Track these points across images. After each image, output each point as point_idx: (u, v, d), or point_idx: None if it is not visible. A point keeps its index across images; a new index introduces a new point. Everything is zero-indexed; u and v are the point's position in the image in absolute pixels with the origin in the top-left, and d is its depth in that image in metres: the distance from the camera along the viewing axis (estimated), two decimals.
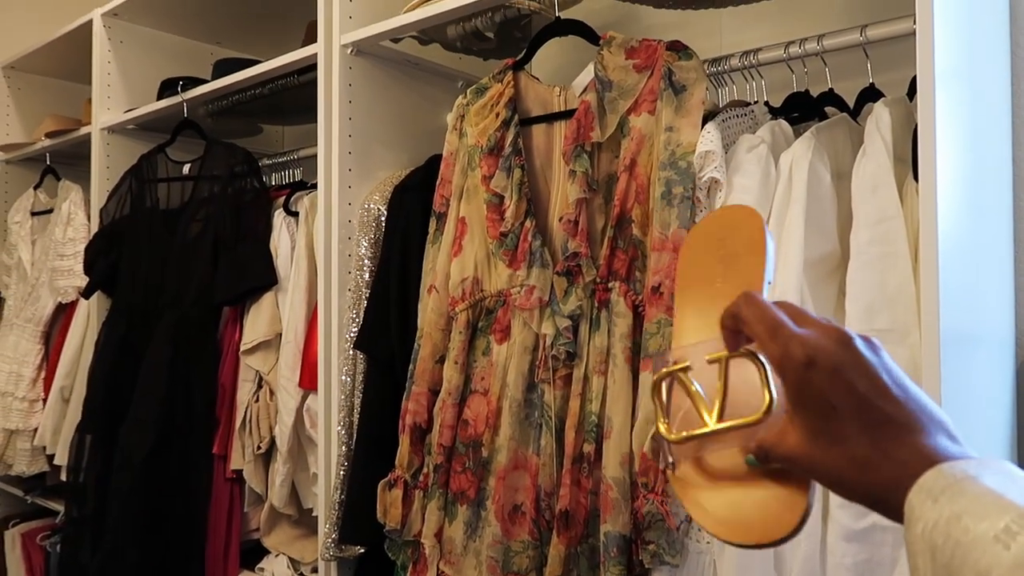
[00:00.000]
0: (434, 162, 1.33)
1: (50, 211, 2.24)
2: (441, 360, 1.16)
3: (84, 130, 2.09)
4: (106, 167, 2.02)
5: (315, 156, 1.50)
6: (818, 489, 0.89)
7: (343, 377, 1.37)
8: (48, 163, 2.33)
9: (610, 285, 1.04)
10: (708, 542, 0.92)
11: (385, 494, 1.16)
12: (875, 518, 0.83)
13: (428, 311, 1.19)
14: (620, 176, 1.05)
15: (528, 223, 1.12)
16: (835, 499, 0.85)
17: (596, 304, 1.04)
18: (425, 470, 1.14)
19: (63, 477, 1.94)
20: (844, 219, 0.97)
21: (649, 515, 0.91)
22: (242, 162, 1.76)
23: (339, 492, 1.33)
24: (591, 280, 1.05)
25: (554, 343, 1.04)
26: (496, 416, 1.07)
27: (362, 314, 1.35)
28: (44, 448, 2.04)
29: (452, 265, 1.17)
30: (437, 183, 1.25)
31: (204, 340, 1.66)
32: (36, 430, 2.04)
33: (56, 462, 1.99)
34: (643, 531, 0.92)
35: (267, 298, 1.58)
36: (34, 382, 2.08)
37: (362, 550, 1.32)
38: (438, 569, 1.09)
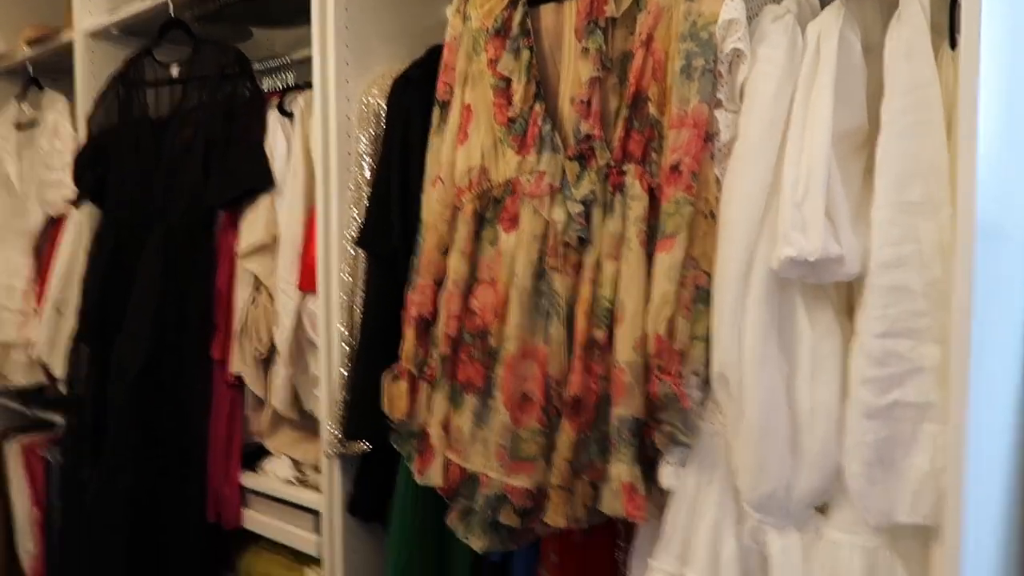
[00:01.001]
0: (435, 53, 1.27)
1: (35, 123, 2.16)
2: (446, 252, 1.13)
3: (66, 36, 2.00)
4: (91, 75, 1.94)
5: (308, 60, 1.43)
6: (840, 365, 0.85)
7: (344, 276, 1.34)
8: (31, 74, 2.24)
9: (625, 168, 0.99)
10: (723, 424, 0.90)
11: (391, 386, 1.14)
12: (897, 394, 0.81)
13: (433, 202, 1.14)
14: (636, 52, 0.99)
15: (537, 107, 1.07)
16: (857, 376, 0.83)
17: (610, 188, 0.99)
18: (431, 362, 1.12)
19: (61, 389, 1.93)
20: (870, 95, 0.92)
21: (664, 396, 0.89)
22: (234, 63, 1.68)
23: (341, 390, 1.31)
24: (605, 164, 1.00)
25: (566, 229, 1.00)
26: (504, 305, 1.04)
27: (362, 211, 1.31)
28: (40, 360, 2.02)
29: (458, 154, 1.12)
30: (440, 71, 1.19)
31: (195, 248, 1.61)
32: (31, 342, 2.01)
33: (54, 374, 1.98)
34: (657, 412, 0.90)
35: (263, 201, 1.53)
36: (27, 295, 2.05)
37: (367, 447, 1.31)
38: (445, 457, 1.08)
